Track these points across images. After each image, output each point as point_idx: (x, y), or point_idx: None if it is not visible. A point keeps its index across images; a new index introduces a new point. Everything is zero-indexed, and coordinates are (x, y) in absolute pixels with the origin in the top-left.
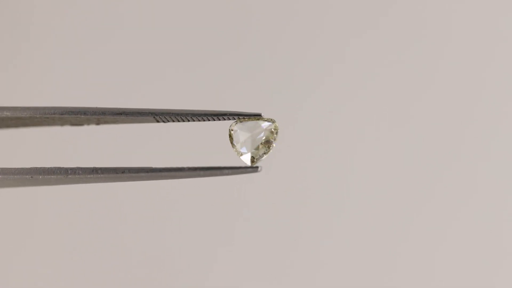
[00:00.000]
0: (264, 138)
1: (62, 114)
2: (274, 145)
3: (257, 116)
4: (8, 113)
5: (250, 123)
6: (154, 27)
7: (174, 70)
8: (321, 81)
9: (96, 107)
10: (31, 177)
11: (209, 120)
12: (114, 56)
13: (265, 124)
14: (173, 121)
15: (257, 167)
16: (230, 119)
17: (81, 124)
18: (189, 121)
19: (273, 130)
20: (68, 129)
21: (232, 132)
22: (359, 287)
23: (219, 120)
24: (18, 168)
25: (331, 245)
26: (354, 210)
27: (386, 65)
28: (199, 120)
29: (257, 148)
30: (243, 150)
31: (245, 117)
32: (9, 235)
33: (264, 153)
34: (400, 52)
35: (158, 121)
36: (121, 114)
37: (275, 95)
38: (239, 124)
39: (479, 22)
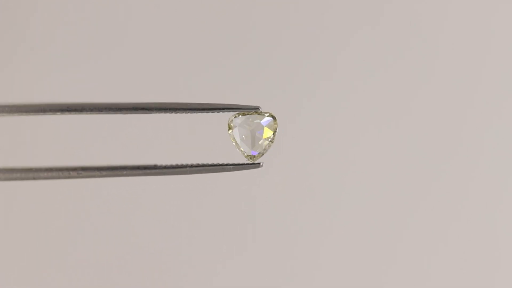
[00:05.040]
0: (263, 134)
1: (62, 111)
2: (273, 140)
3: (256, 109)
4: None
5: (249, 119)
6: (154, 24)
7: (174, 64)
8: (321, 76)
9: (94, 103)
10: (33, 177)
11: (207, 113)
12: (113, 54)
13: (264, 121)
14: (171, 112)
15: (258, 163)
16: (229, 112)
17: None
18: (187, 113)
19: (272, 126)
20: (70, 125)
21: (231, 126)
22: (359, 287)
23: (218, 112)
24: (21, 168)
25: (331, 243)
26: (354, 208)
27: (386, 62)
28: (198, 112)
29: (257, 145)
30: (244, 147)
31: (244, 110)
32: (7, 234)
33: (264, 149)
34: (399, 50)
35: (156, 113)
36: (120, 109)
37: (274, 88)
38: (238, 120)
39: (475, 22)
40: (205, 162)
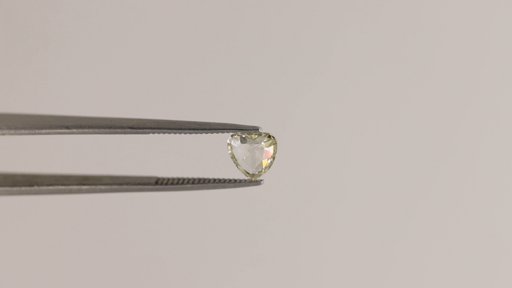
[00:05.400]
0: (263, 155)
1: (59, 128)
2: (273, 160)
3: (255, 130)
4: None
5: (249, 139)
6: (148, 38)
7: (168, 78)
8: (320, 76)
9: (92, 118)
10: (35, 192)
11: (206, 133)
12: (110, 66)
13: (264, 141)
14: (169, 133)
15: (259, 180)
16: (228, 132)
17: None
18: (186, 133)
19: (272, 146)
20: (71, 139)
21: (231, 146)
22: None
23: (217, 133)
24: (22, 176)
25: (332, 245)
26: (354, 209)
27: (385, 63)
28: (196, 133)
29: (258, 165)
30: (244, 166)
31: (243, 131)
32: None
33: (265, 168)
34: (399, 50)
35: (152, 133)
36: (118, 128)
37: (272, 88)
38: (238, 140)
39: (475, 22)
40: (206, 177)
